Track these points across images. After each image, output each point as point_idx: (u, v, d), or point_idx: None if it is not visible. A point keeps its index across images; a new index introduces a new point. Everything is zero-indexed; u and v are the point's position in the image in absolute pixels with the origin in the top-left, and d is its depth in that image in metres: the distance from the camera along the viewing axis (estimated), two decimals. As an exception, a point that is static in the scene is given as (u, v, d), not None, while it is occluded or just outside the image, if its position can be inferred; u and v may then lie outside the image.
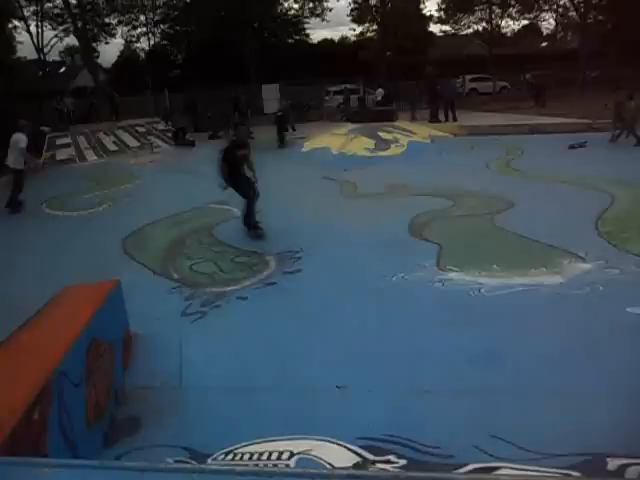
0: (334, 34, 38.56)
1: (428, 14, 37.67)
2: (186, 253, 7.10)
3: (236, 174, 7.31)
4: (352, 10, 35.72)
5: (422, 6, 37.16)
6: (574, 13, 34.74)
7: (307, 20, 35.51)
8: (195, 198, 10.06)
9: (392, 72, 30.97)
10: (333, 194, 10.24)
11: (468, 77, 32.42)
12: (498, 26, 36.56)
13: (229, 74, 28.16)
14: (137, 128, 20.32)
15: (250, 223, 7.49)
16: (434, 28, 38.36)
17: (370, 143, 14.45)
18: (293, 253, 6.33)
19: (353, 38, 37.80)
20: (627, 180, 9.41)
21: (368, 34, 36.38)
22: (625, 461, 2.86)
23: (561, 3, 35.94)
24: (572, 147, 13.51)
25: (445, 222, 7.88)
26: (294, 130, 19.93)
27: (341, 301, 5.23)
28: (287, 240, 7.17)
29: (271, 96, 27.58)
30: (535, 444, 3.08)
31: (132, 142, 19.05)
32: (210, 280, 6.09)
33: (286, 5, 34.91)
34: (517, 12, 36.17)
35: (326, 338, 4.61)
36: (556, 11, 37.58)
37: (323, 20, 34.90)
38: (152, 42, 36.36)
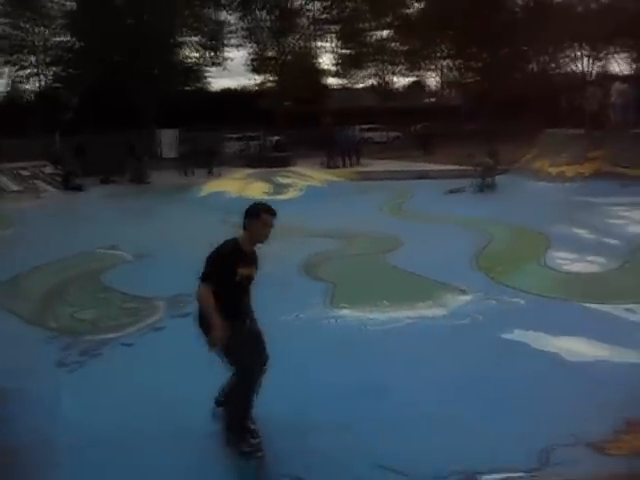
0: (235, 83, 38.96)
1: (325, 67, 39.64)
2: (68, 300, 6.62)
3: (233, 316, 3.43)
4: (252, 61, 36.74)
5: (318, 60, 39.12)
6: (456, 73, 38.35)
7: (208, 69, 35.90)
8: (82, 243, 9.52)
9: (291, 120, 31.91)
10: (229, 237, 10.12)
11: (364, 127, 34.18)
12: (389, 81, 39.33)
13: (125, 118, 27.49)
14: (20, 171, 18.92)
15: (238, 420, 3.54)
16: (331, 81, 40.30)
17: (268, 187, 14.62)
18: (184, 297, 6.09)
19: (255, 87, 38.59)
20: (502, 221, 10.33)
21: (268, 84, 37.40)
22: (496, 476, 3.10)
23: (444, 64, 39.51)
24: (451, 192, 14.54)
25: (339, 261, 8.10)
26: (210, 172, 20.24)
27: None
28: (177, 283, 6.89)
29: (170, 141, 27.31)
30: (414, 468, 3.18)
31: (12, 186, 17.75)
32: (92, 327, 5.72)
33: (186, 53, 35.13)
34: (406, 69, 39.19)
35: (213, 381, 4.44)
36: (440, 71, 41.19)
37: (224, 69, 35.53)
38: (43, 84, 34.77)
